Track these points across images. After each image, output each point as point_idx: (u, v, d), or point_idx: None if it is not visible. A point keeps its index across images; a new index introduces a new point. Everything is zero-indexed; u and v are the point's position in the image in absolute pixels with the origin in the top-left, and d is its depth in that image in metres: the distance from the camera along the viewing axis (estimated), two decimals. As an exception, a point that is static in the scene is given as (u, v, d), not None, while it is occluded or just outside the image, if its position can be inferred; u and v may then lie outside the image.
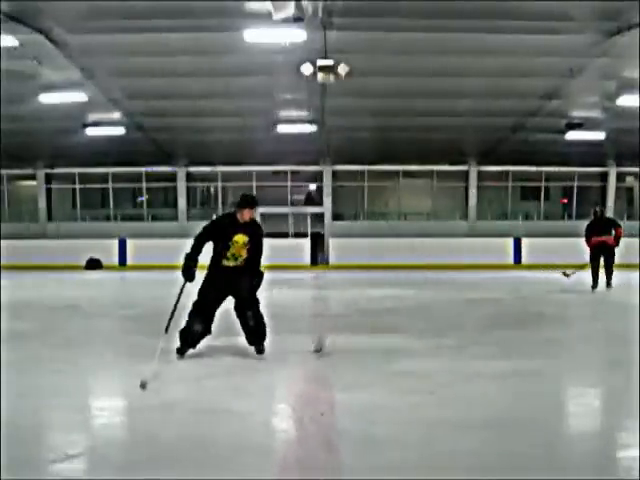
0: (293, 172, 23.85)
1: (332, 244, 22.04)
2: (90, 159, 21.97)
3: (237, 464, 3.27)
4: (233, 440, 3.63)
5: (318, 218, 23.36)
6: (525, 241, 21.52)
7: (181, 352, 5.87)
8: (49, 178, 24.07)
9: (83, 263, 20.95)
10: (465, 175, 23.85)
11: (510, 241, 21.62)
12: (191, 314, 5.88)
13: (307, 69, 13.27)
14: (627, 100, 16.30)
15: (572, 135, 19.47)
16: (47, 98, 16.00)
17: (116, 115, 18.30)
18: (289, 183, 23.79)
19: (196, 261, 5.73)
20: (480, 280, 16.08)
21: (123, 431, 4.02)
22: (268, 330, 5.98)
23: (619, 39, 13.07)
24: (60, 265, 20.05)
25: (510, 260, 21.40)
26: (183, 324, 5.87)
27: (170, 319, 5.57)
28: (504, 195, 24.36)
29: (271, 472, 3.22)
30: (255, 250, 5.92)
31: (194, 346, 5.92)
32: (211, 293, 5.88)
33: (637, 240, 18.81)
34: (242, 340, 6.00)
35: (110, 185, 23.97)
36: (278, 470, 3.27)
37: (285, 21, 11.72)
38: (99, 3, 12.11)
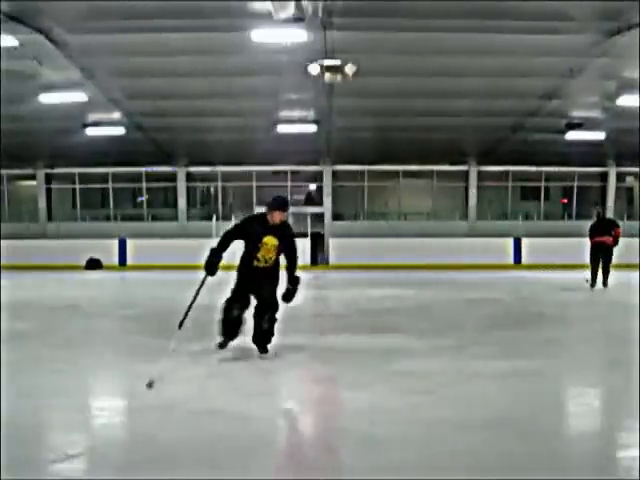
0: (293, 172, 23.86)
1: (332, 244, 22.05)
2: (90, 159, 21.98)
3: (237, 464, 3.27)
4: (233, 440, 3.63)
5: (318, 218, 23.36)
6: (525, 241, 21.52)
7: (223, 345, 5.92)
8: (49, 178, 24.09)
9: (83, 263, 20.96)
10: (465, 175, 23.86)
11: (510, 241, 21.62)
12: (229, 301, 5.91)
13: (314, 69, 13.28)
14: (627, 100, 16.31)
15: (572, 135, 19.48)
16: (47, 98, 16.01)
17: (116, 115, 18.31)
18: (289, 183, 23.79)
19: (221, 257, 5.69)
20: (480, 280, 16.09)
21: (123, 431, 4.02)
22: (268, 330, 5.98)
23: (619, 39, 13.08)
24: (60, 265, 20.05)
25: (510, 260, 21.40)
26: (220, 316, 5.91)
27: (186, 314, 5.44)
28: (504, 195, 24.37)
29: (271, 472, 3.22)
30: (289, 253, 5.92)
31: (234, 337, 5.93)
32: (247, 283, 5.91)
33: (637, 240, 18.82)
34: (242, 340, 6.00)
35: (110, 185, 23.99)
36: (278, 470, 3.27)
37: (285, 21, 11.73)
38: (99, 3, 12.11)
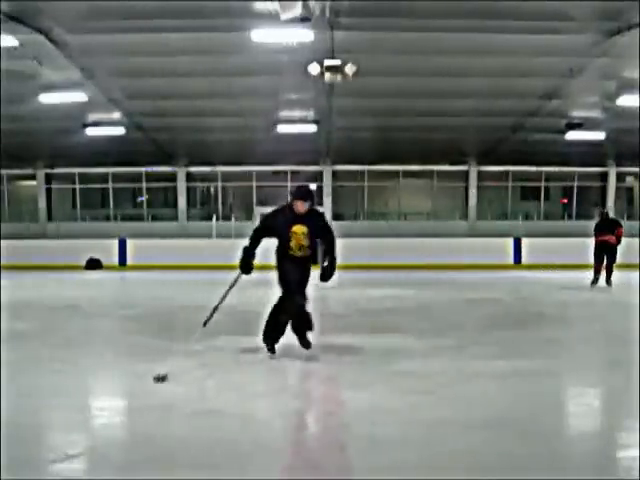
0: (293, 172, 23.85)
1: (332, 244, 21.99)
2: (90, 159, 21.99)
3: (237, 464, 3.27)
4: (233, 440, 3.63)
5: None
6: (525, 241, 21.50)
7: (272, 350, 5.86)
8: (49, 178, 24.10)
9: (83, 263, 20.94)
10: (465, 175, 23.87)
11: (510, 241, 21.60)
12: (277, 306, 5.83)
13: (314, 69, 13.29)
14: (627, 100, 16.32)
15: (572, 135, 19.48)
16: (47, 98, 16.01)
17: (116, 115, 18.32)
18: (289, 183, 23.77)
19: (254, 255, 5.72)
20: (480, 280, 16.08)
21: (123, 431, 4.02)
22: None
23: (619, 39, 13.09)
24: (60, 265, 20.04)
25: (510, 260, 21.38)
26: (267, 318, 5.86)
27: (213, 312, 5.41)
28: (504, 195, 24.38)
29: (271, 472, 3.21)
30: (323, 236, 5.88)
31: (276, 341, 5.87)
32: (292, 269, 5.79)
33: (637, 240, 18.82)
34: (242, 339, 6.00)
35: (110, 185, 23.99)
36: (278, 470, 3.26)
37: (292, 21, 11.72)
38: (99, 3, 12.12)
